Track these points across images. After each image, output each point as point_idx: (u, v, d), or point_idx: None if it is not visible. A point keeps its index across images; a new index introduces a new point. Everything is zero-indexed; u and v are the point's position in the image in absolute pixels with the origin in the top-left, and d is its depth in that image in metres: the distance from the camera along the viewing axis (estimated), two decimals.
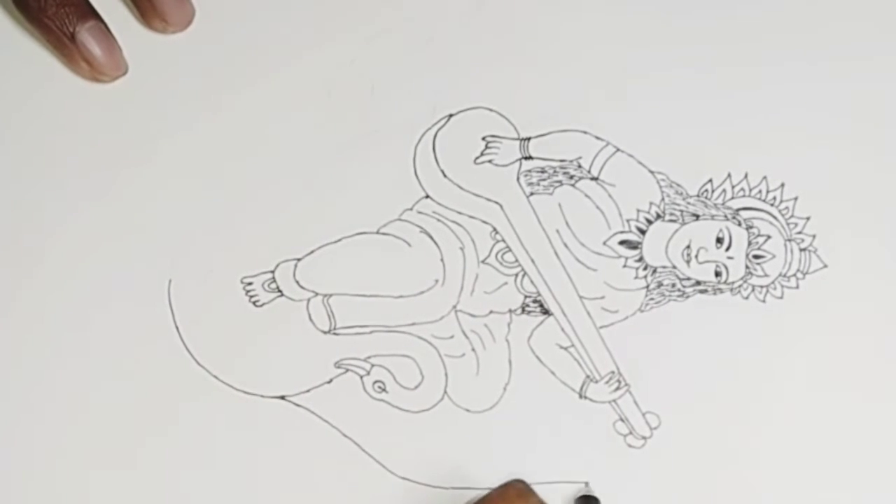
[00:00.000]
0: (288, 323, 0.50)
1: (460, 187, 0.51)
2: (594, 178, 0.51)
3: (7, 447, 0.49)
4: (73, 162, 0.51)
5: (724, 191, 0.51)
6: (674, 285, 0.50)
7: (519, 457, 0.50)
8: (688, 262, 0.51)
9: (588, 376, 0.50)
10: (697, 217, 0.51)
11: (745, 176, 0.51)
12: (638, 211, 0.51)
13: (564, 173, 0.51)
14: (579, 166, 0.51)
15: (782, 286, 0.51)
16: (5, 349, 0.49)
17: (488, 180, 0.51)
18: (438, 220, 0.51)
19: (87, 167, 0.51)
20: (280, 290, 0.50)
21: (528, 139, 0.51)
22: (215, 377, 0.49)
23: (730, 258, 0.51)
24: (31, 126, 0.51)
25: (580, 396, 0.50)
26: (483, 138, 0.51)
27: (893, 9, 0.53)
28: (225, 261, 0.50)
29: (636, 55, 0.51)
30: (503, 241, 0.51)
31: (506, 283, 0.50)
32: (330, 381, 0.50)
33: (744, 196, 0.51)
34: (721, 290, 0.51)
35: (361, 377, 0.50)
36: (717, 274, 0.51)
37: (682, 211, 0.51)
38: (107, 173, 0.51)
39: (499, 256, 0.51)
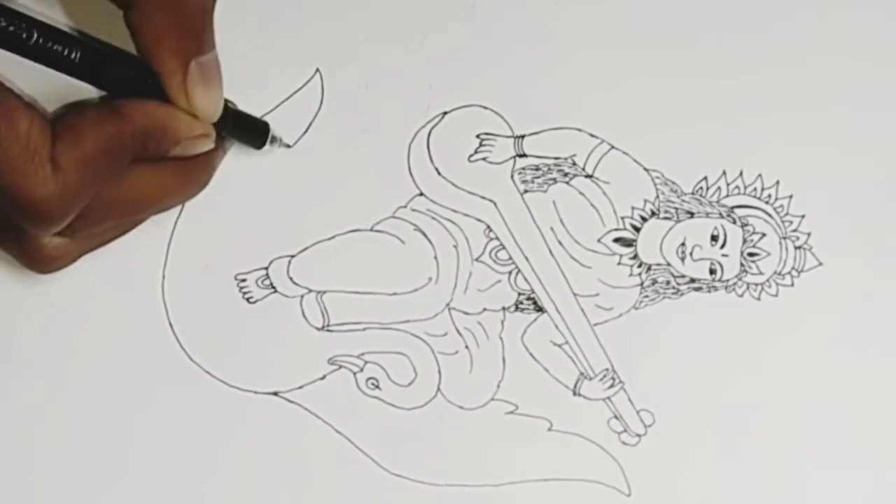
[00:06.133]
0: (282, 319, 0.50)
1: (454, 185, 0.51)
2: (589, 176, 0.51)
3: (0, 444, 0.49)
4: None
5: (718, 188, 0.51)
6: (668, 283, 0.50)
7: (513, 454, 0.50)
8: (682, 259, 0.51)
9: (582, 374, 0.50)
10: (692, 215, 0.51)
11: (740, 174, 0.51)
12: (632, 208, 0.51)
13: (559, 171, 0.51)
14: (574, 164, 0.51)
15: (777, 284, 0.51)
16: None
17: (482, 178, 0.51)
18: (432, 218, 0.51)
19: None
20: (274, 287, 0.50)
21: (523, 137, 0.51)
22: (208, 373, 0.49)
23: (724, 256, 0.51)
24: None
25: (574, 394, 0.50)
26: (477, 136, 0.51)
27: (889, 7, 0.52)
28: (219, 257, 0.50)
29: (631, 52, 0.51)
30: (497, 238, 0.51)
31: (499, 281, 0.50)
32: (323, 378, 0.50)
33: (739, 194, 0.51)
34: (716, 288, 0.51)
35: (355, 374, 0.50)
36: (712, 272, 0.51)
37: (676, 208, 0.51)
38: None
39: (493, 254, 0.51)
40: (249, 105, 0.48)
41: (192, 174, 0.46)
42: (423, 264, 0.50)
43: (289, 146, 0.50)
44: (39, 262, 0.45)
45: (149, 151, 0.43)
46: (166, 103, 0.43)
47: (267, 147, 0.49)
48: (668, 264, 0.51)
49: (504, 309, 0.50)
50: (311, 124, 0.50)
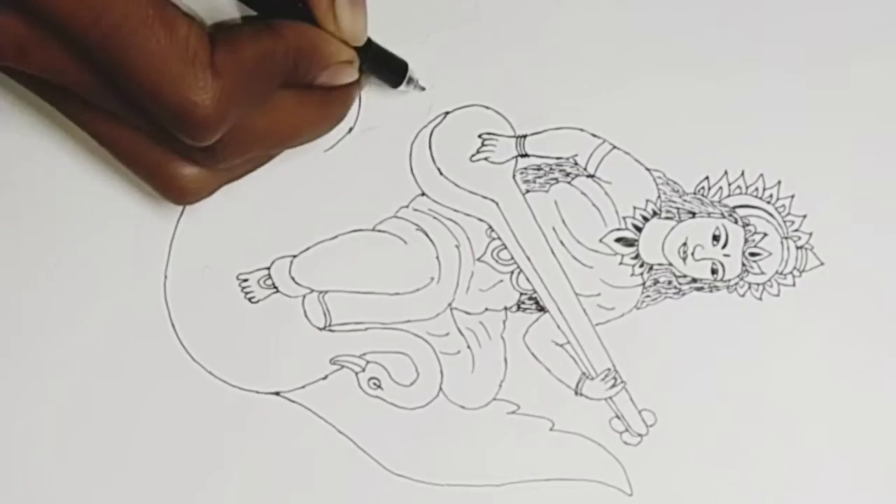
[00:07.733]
0: (283, 319, 0.50)
1: (456, 185, 0.51)
2: (590, 176, 0.51)
3: (2, 444, 0.49)
4: (71, 158, 0.51)
5: (720, 188, 0.51)
6: (670, 283, 0.50)
7: (514, 454, 0.50)
8: (684, 259, 0.51)
9: (584, 373, 0.50)
10: (694, 214, 0.51)
11: (742, 173, 0.51)
12: (634, 208, 0.51)
13: (560, 171, 0.51)
14: (575, 163, 0.51)
15: (779, 284, 0.51)
16: (0, 346, 0.50)
17: (484, 178, 0.51)
18: (434, 218, 0.51)
19: (84, 163, 0.51)
20: (276, 287, 0.50)
21: (525, 136, 0.51)
22: (210, 373, 0.49)
23: (726, 256, 0.51)
24: (31, 123, 0.51)
25: (576, 394, 0.50)
26: (479, 136, 0.51)
27: (890, 7, 0.52)
28: (221, 257, 0.50)
29: (632, 52, 0.51)
30: (499, 238, 0.51)
31: (501, 281, 0.50)
32: (325, 378, 0.50)
33: (740, 194, 0.51)
34: (717, 288, 0.51)
35: (357, 374, 0.50)
36: (714, 271, 0.51)
37: (678, 208, 0.51)
38: (104, 169, 0.51)
39: (494, 254, 0.51)
40: None
41: (332, 106, 0.47)
42: (425, 264, 0.50)
43: (423, 89, 0.50)
44: (178, 192, 0.45)
45: (299, 73, 0.44)
46: (315, 27, 0.44)
47: (402, 87, 0.49)
48: (670, 264, 0.51)
49: (506, 309, 0.50)
50: None
